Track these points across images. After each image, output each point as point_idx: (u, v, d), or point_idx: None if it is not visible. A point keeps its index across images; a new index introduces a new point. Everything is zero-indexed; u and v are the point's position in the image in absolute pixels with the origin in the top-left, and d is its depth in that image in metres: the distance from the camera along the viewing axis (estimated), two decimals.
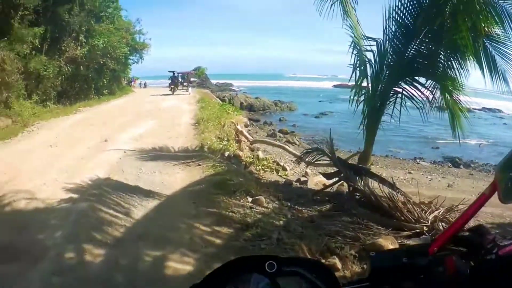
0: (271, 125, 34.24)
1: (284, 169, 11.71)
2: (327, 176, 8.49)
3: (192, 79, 41.67)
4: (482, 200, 1.00)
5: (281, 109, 46.14)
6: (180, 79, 36.02)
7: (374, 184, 7.34)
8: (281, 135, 28.86)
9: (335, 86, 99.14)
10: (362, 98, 8.17)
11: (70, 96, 22.46)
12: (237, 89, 68.40)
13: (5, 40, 13.56)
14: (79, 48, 22.33)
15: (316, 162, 8.89)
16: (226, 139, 12.32)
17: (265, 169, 10.78)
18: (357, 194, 7.13)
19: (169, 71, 36.16)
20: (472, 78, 7.56)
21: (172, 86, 33.79)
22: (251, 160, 11.16)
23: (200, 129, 13.47)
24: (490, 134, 32.97)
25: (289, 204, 7.31)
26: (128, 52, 30.85)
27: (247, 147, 13.55)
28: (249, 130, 16.87)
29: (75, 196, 6.94)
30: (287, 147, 13.48)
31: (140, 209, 6.53)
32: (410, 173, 16.33)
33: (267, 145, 14.82)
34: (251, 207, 6.66)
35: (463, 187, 13.84)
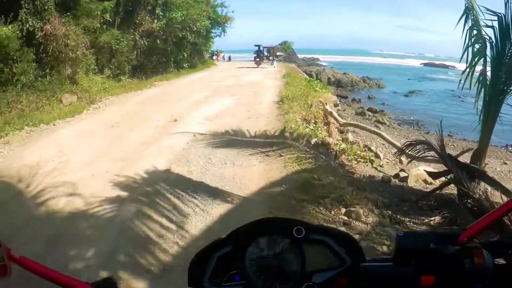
0: (359, 103, 32.66)
1: (378, 156, 10.08)
2: (433, 175, 7.37)
3: (278, 53, 41.24)
4: None
5: (369, 86, 44.27)
6: (265, 53, 35.52)
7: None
8: (370, 113, 27.21)
9: (422, 64, 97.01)
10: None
11: (147, 70, 21.91)
12: (323, 64, 66.69)
13: (68, 15, 12.63)
14: (155, 21, 21.54)
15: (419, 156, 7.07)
16: (313, 122, 10.54)
17: (358, 159, 8.81)
18: (469, 201, 5.53)
19: (255, 45, 35.64)
20: None
21: (258, 60, 33.41)
22: (341, 148, 9.13)
23: (284, 108, 11.61)
24: None
25: (389, 213, 5.58)
26: (210, 26, 29.70)
27: (336, 130, 11.69)
28: (338, 110, 14.75)
29: (124, 194, 5.57)
30: (384, 134, 11.10)
31: (200, 218, 4.99)
32: (505, 163, 14.27)
33: (360, 129, 12.79)
34: (345, 223, 4.95)
35: None
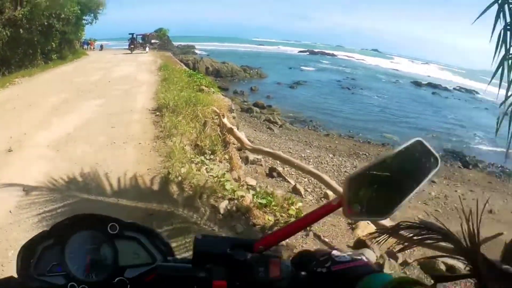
0: (242, 95, 31.22)
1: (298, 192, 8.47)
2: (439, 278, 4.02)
3: (153, 41, 41.10)
4: (327, 209, 0.88)
5: (250, 76, 42.85)
6: (140, 41, 36.93)
7: None
8: (258, 109, 25.26)
9: (300, 51, 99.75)
10: None
11: (12, 64, 19.00)
12: (199, 52, 66.23)
13: None
14: (18, 8, 18.77)
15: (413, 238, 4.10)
16: (209, 150, 7.15)
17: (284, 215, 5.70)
18: None
19: (129, 34, 36.59)
20: None
21: (132, 46, 34.81)
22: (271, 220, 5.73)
23: (164, 125, 7.82)
24: None
25: None
26: (79, 12, 26.87)
27: (238, 157, 8.71)
28: (234, 118, 11.32)
29: None
30: (325, 177, 7.64)
31: None
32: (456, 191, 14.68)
33: (267, 155, 9.69)
34: None
35: None
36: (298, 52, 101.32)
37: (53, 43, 22.99)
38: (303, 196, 9.29)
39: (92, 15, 31.66)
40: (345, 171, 14.28)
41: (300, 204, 6.61)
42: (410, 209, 11.60)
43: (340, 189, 6.25)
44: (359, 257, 0.87)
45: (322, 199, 9.52)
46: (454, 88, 62.36)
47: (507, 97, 3.85)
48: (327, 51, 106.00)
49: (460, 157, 20.98)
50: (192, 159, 6.31)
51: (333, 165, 14.97)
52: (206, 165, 6.24)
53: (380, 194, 0.92)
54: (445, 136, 26.37)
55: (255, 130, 18.31)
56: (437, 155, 0.95)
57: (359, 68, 73.44)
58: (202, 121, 8.21)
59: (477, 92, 62.88)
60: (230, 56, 61.31)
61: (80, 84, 14.03)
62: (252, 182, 7.69)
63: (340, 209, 0.87)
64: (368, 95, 40.01)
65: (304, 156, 15.08)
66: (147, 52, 33.78)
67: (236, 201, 5.09)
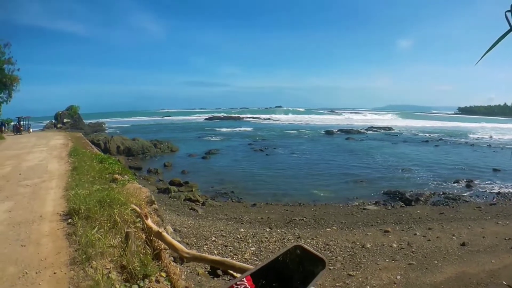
0: (156, 174, 29.91)
1: None
2: None
3: (65, 120, 41.79)
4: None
5: (161, 151, 41.94)
6: (22, 123, 35.65)
7: None
8: (175, 188, 24.24)
9: (207, 118, 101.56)
10: None
11: None
12: (108, 128, 67.41)
13: None
14: None
15: None
16: (139, 274, 5.86)
17: None
18: None
19: (16, 117, 35.55)
20: None
21: (17, 128, 34.41)
22: None
23: (77, 240, 6.68)
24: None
25: None
26: None
27: (176, 266, 7.64)
28: (156, 210, 10.34)
29: None
30: None
31: None
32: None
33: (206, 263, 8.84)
34: None
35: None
36: (204, 119, 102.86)
37: None
38: None
39: (7, 92, 29.91)
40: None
41: None
42: (382, 271, 10.98)
43: None
44: None
45: None
46: (366, 129, 66.41)
47: None
48: (233, 115, 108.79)
49: (398, 196, 21.08)
50: None
51: (275, 241, 13.78)
52: None
53: None
54: (374, 179, 27.05)
55: (178, 215, 16.81)
56: (321, 256, 0.94)
57: (267, 128, 75.76)
58: (123, 231, 7.12)
59: (391, 128, 67.85)
60: (139, 130, 60.62)
61: None
62: None
63: None
64: (283, 153, 40.71)
65: (241, 238, 14.07)
66: (29, 132, 34.19)
67: None
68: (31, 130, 34.87)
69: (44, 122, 34.02)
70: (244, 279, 0.93)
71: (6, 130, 34.75)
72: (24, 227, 7.78)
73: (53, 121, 34.67)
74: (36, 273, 5.83)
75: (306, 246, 0.97)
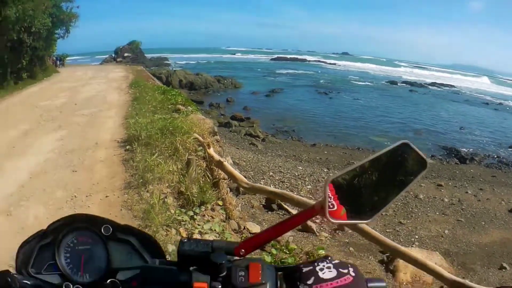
0: (218, 108, 29.68)
1: None
2: None
3: (125, 54, 42.34)
4: (307, 214, 0.88)
5: (225, 87, 41.54)
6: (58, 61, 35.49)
7: None
8: (236, 123, 24.02)
9: (272, 59, 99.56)
10: None
11: None
12: (171, 63, 65.82)
13: None
14: None
15: None
16: (197, 201, 5.56)
17: None
18: None
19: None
20: None
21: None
22: None
23: (135, 165, 6.44)
24: None
25: None
26: (50, 25, 23.29)
27: (232, 196, 7.42)
28: (218, 141, 9.73)
29: None
30: None
31: None
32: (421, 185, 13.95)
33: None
34: None
35: None
36: (270, 60, 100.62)
37: (23, 61, 20.79)
38: (317, 233, 8.26)
39: (64, 28, 28.95)
40: None
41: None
42: (431, 223, 11.19)
43: None
44: (345, 270, 0.78)
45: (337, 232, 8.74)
46: (429, 84, 62.71)
47: None
48: (299, 57, 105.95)
49: (454, 153, 20.84)
50: (178, 218, 5.01)
51: None
52: (198, 225, 4.98)
53: (363, 196, 0.91)
54: (433, 132, 26.36)
55: (237, 148, 16.95)
56: (424, 157, 0.92)
57: (332, 72, 73.22)
58: (184, 158, 6.75)
59: (453, 86, 63.58)
60: (204, 66, 60.62)
61: (42, 110, 12.47)
62: (255, 228, 6.64)
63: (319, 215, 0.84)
64: (346, 97, 39.51)
65: (298, 175, 14.07)
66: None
67: None
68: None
69: (103, 56, 33.49)
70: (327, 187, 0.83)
71: (59, 65, 35.51)
72: (78, 154, 7.63)
73: (113, 55, 33.66)
74: (87, 196, 5.61)
75: (412, 145, 0.90)
